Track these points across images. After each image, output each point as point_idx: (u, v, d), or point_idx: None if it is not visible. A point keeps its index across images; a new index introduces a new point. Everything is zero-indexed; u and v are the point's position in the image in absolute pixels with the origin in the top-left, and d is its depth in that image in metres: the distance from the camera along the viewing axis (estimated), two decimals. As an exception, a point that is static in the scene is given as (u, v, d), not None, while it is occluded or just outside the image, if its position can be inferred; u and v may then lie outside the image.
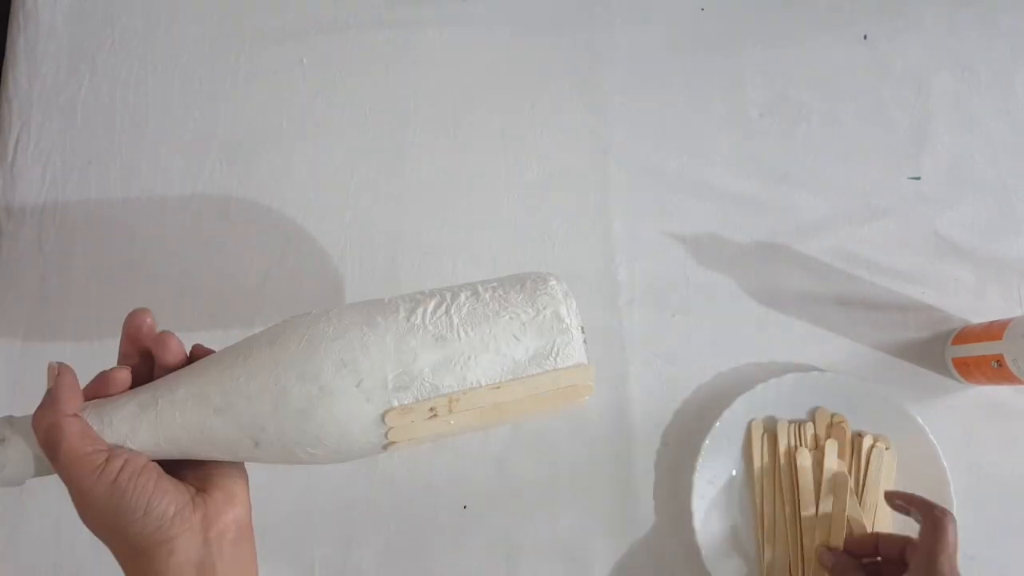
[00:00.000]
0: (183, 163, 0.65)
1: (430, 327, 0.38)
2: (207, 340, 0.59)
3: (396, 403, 0.37)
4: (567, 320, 0.39)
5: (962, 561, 0.56)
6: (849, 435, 0.58)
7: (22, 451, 0.35)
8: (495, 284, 0.41)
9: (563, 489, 0.59)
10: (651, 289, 0.63)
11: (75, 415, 0.34)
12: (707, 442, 0.57)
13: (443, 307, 0.39)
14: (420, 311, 0.38)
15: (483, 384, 0.38)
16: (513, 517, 0.59)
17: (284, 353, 0.37)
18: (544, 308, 0.39)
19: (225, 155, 0.65)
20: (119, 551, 0.36)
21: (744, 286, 0.64)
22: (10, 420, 0.36)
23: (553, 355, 0.39)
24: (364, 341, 0.37)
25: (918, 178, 0.67)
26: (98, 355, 0.59)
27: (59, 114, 0.66)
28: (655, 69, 0.69)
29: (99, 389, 0.37)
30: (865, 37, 0.70)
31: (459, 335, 0.38)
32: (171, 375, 0.39)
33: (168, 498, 0.35)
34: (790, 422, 0.59)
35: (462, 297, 0.39)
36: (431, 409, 0.37)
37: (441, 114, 0.67)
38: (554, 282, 0.41)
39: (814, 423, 0.59)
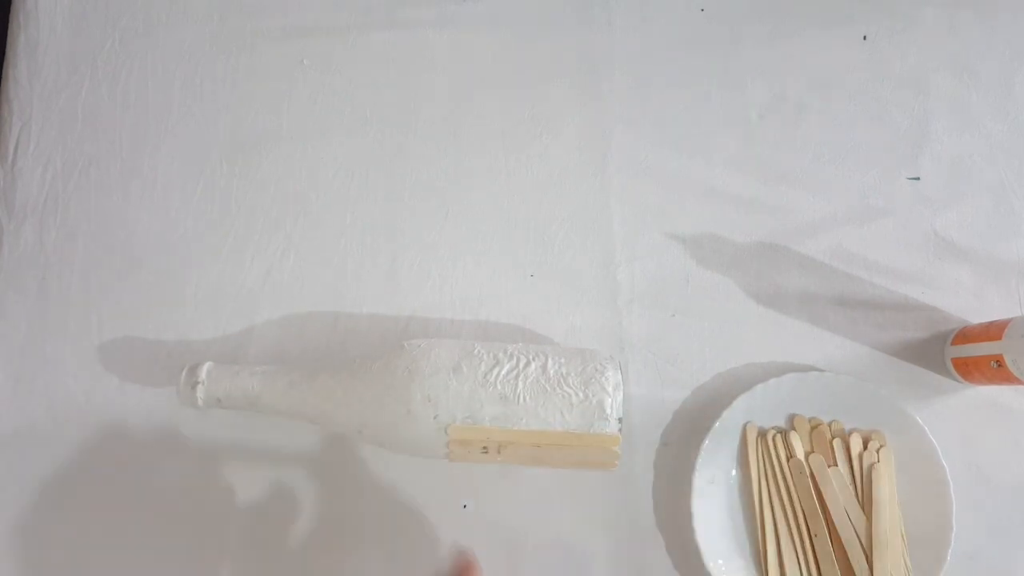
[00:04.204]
0: (184, 163, 0.65)
1: (499, 387, 0.48)
2: (207, 339, 0.60)
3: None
4: (608, 411, 0.49)
5: (962, 561, 0.57)
6: (847, 436, 0.58)
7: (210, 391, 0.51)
8: (564, 359, 0.50)
9: (563, 489, 0.59)
10: (651, 289, 0.63)
11: None
12: (707, 442, 0.57)
13: (514, 372, 0.49)
14: (496, 371, 0.49)
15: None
16: (513, 516, 0.59)
17: (391, 378, 0.49)
18: (593, 396, 0.49)
19: (225, 155, 0.66)
20: None
21: (744, 286, 0.64)
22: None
23: (589, 432, 0.48)
24: (447, 385, 0.48)
25: (917, 178, 0.67)
26: (98, 355, 0.60)
27: (59, 114, 0.66)
28: (655, 69, 0.69)
29: None
30: (865, 37, 0.71)
31: (519, 399, 0.48)
32: (316, 364, 0.52)
33: None
34: (789, 422, 0.59)
35: (532, 366, 0.49)
36: (484, 448, 0.49)
37: (441, 114, 0.68)
38: (610, 373, 0.50)
39: (812, 423, 0.59)
